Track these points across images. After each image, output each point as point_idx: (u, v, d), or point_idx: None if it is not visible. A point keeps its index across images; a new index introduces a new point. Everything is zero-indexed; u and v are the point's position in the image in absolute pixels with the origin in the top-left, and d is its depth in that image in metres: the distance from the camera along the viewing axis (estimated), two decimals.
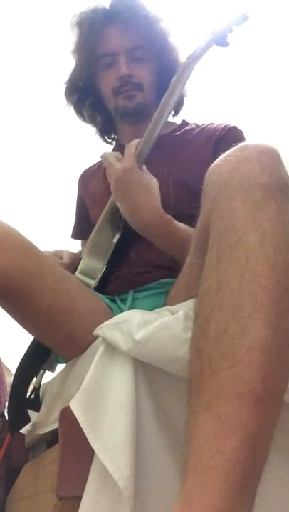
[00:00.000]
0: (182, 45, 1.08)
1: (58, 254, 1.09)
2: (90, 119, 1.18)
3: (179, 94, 0.86)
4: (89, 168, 1.23)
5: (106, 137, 1.21)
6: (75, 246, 1.23)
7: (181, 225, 0.86)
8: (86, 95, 1.13)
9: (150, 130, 0.85)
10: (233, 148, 0.60)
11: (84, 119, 1.18)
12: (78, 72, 1.09)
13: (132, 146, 0.85)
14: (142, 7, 1.02)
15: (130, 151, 0.84)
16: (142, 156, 0.84)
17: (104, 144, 1.23)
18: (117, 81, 1.02)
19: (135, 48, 1.02)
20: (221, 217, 0.55)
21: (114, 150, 1.19)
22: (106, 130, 1.20)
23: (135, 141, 0.85)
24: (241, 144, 0.60)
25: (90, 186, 1.14)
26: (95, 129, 1.20)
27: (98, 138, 1.22)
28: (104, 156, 0.87)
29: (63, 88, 1.13)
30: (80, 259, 0.98)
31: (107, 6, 1.03)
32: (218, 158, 0.61)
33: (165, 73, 1.06)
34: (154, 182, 0.84)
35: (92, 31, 1.03)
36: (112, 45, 1.02)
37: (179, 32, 1.09)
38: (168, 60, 1.06)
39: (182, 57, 1.08)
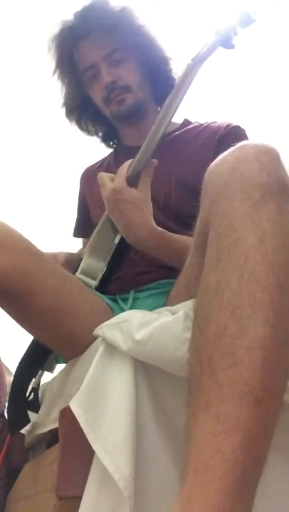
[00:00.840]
0: (161, 32, 1.07)
1: (53, 257, 1.09)
2: (95, 132, 1.19)
3: (183, 96, 0.85)
4: (91, 166, 1.23)
5: (110, 143, 1.22)
6: (76, 245, 1.23)
7: (175, 236, 0.86)
8: (85, 112, 1.15)
9: (152, 134, 0.84)
10: (232, 148, 0.60)
11: (89, 132, 1.19)
12: (69, 94, 1.11)
13: (125, 167, 0.85)
14: (104, 10, 1.01)
15: (122, 171, 0.85)
16: (133, 175, 0.84)
17: (106, 147, 1.24)
18: (103, 91, 1.03)
19: (111, 52, 1.02)
20: (220, 216, 0.55)
21: (116, 151, 1.20)
22: (109, 136, 1.20)
23: (128, 162, 0.86)
24: (240, 144, 0.60)
25: (92, 185, 1.14)
26: (99, 139, 1.21)
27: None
28: (99, 176, 0.88)
29: (62, 88, 1.14)
30: (81, 258, 0.98)
31: (72, 20, 1.02)
32: (217, 158, 0.61)
33: (151, 65, 1.06)
34: (144, 199, 0.84)
35: (65, 53, 1.04)
36: (89, 59, 1.03)
37: (159, 22, 1.07)
38: (149, 51, 1.05)
39: (162, 42, 1.07)
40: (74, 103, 1.12)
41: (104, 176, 0.87)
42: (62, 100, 1.14)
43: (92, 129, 1.18)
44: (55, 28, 1.04)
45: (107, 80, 1.01)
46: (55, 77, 1.12)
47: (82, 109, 1.14)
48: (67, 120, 1.19)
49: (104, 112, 1.09)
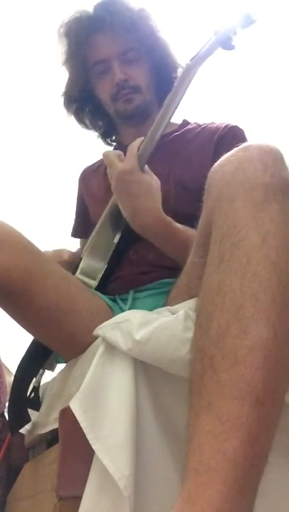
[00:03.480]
0: (174, 37, 1.08)
1: (58, 254, 1.09)
2: (92, 125, 1.18)
3: (182, 96, 0.85)
4: (90, 166, 1.23)
5: (108, 140, 1.21)
6: (75, 245, 1.23)
7: (182, 227, 0.85)
8: (85, 103, 1.14)
9: (153, 131, 0.84)
10: (235, 149, 0.60)
11: (86, 126, 1.18)
12: (73, 83, 1.10)
13: (135, 146, 0.83)
14: (125, 8, 1.01)
15: (132, 151, 0.82)
16: (143, 157, 0.83)
17: (104, 144, 1.23)
18: (113, 88, 1.02)
19: (126, 51, 1.01)
20: (223, 217, 0.55)
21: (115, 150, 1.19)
22: (108, 133, 1.20)
23: (138, 141, 0.84)
24: (244, 145, 0.60)
25: (91, 185, 1.14)
26: (96, 133, 1.20)
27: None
28: (105, 154, 0.85)
29: (62, 87, 1.13)
30: (81, 258, 0.98)
31: (91, 11, 1.02)
32: (220, 159, 0.61)
33: (160, 69, 1.06)
34: (155, 183, 0.83)
35: (79, 42, 1.03)
36: (102, 53, 1.02)
37: (168, 24, 1.08)
38: (161, 56, 1.05)
39: (175, 50, 1.08)
40: (76, 93, 1.11)
41: (112, 155, 0.85)
42: (64, 89, 1.12)
43: (90, 122, 1.17)
44: (71, 16, 1.03)
45: (120, 78, 1.01)
46: (55, 74, 1.11)
47: (83, 100, 1.12)
48: (66, 120, 1.18)
49: (108, 108, 1.08)
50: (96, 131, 1.19)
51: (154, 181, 0.83)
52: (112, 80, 1.02)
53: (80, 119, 1.16)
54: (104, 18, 0.99)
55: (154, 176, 0.84)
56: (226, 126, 1.05)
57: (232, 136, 1.02)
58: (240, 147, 0.60)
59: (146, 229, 0.84)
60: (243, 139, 1.01)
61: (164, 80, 1.07)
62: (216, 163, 0.61)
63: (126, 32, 1.00)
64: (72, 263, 1.05)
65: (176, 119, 1.15)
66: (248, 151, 0.58)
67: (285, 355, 0.48)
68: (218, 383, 0.46)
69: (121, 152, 0.85)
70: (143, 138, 0.84)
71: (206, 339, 0.50)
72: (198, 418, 0.47)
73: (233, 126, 1.05)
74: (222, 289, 0.51)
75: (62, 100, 1.14)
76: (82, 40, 1.02)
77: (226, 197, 0.56)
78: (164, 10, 1.07)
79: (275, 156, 0.57)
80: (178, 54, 1.08)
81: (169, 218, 0.83)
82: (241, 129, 1.05)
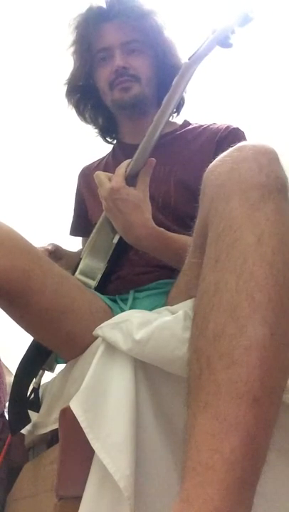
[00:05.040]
0: (179, 39, 1.08)
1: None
2: (92, 120, 1.18)
3: (180, 96, 0.85)
4: (90, 165, 1.23)
5: (107, 138, 1.21)
6: (74, 245, 1.23)
7: (175, 235, 0.86)
8: (87, 95, 1.13)
9: (151, 131, 0.84)
10: (230, 149, 0.60)
11: (85, 120, 1.18)
12: (77, 71, 1.10)
13: (122, 166, 0.85)
14: (136, 3, 1.02)
15: (120, 171, 0.84)
16: (132, 175, 0.84)
17: (103, 141, 1.23)
18: (112, 74, 1.02)
19: (130, 41, 1.02)
20: (218, 217, 0.55)
21: (114, 149, 1.20)
22: (107, 131, 1.20)
23: (126, 162, 0.86)
24: (239, 145, 0.60)
25: (91, 184, 1.14)
26: (96, 130, 1.20)
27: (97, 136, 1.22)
28: (96, 175, 0.88)
29: (63, 88, 1.13)
30: (80, 258, 0.98)
31: (103, 3, 1.03)
32: (216, 159, 0.61)
33: (162, 68, 1.06)
34: (143, 198, 0.84)
35: (87, 29, 1.04)
36: (107, 41, 1.03)
37: (175, 26, 1.09)
38: (164, 54, 1.06)
39: (180, 51, 1.08)
40: (78, 82, 1.11)
41: (101, 175, 0.86)
42: (68, 77, 1.13)
43: (90, 116, 1.17)
44: (83, 9, 1.05)
45: (119, 64, 1.01)
46: (56, 73, 1.11)
47: (85, 92, 1.12)
48: (66, 120, 1.18)
49: (105, 98, 1.08)
50: (95, 127, 1.19)
51: (142, 195, 0.84)
52: (112, 67, 1.02)
53: (80, 112, 1.17)
54: (115, 9, 1.01)
55: (146, 189, 0.85)
56: (227, 127, 1.05)
57: (232, 137, 1.02)
58: (235, 147, 0.60)
59: (139, 242, 0.85)
60: (244, 141, 1.01)
61: (166, 79, 1.07)
62: (212, 164, 0.61)
63: (132, 23, 1.01)
64: (56, 255, 1.07)
65: (178, 119, 1.15)
66: (242, 151, 0.58)
67: (282, 354, 0.48)
68: (215, 383, 0.46)
69: (110, 174, 0.86)
70: (130, 160, 0.85)
71: (203, 339, 0.50)
72: (196, 418, 0.47)
73: (234, 128, 1.05)
74: (218, 289, 0.51)
75: (64, 91, 1.14)
76: (90, 28, 1.04)
77: (222, 197, 0.56)
78: (164, 8, 1.08)
79: (270, 155, 0.57)
80: (182, 54, 1.08)
81: (160, 229, 0.85)
82: (242, 131, 1.05)
